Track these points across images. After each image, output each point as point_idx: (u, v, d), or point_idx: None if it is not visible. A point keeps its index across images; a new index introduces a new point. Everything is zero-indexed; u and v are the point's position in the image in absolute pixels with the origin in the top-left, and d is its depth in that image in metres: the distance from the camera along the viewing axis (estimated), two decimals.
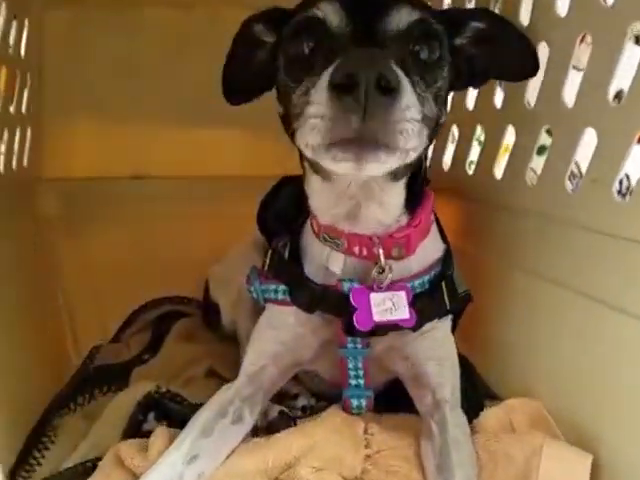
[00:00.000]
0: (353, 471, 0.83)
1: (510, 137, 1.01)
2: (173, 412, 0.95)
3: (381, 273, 0.81)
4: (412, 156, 0.66)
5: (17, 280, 1.14)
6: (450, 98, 0.93)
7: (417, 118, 0.63)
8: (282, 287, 0.87)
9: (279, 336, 0.89)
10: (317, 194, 0.83)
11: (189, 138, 1.52)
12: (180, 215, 1.52)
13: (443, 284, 0.86)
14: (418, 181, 0.82)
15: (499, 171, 1.05)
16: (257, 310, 0.97)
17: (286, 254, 0.91)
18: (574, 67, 0.87)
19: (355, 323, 0.80)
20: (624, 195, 0.77)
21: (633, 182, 0.75)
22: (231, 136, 1.53)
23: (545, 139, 0.94)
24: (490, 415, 0.90)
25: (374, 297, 0.81)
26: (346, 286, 0.82)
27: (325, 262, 0.86)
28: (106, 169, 1.50)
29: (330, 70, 0.60)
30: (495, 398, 0.99)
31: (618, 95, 0.80)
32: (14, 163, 1.20)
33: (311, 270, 0.87)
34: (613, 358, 0.78)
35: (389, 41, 0.69)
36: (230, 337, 1.25)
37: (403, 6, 0.71)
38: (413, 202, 0.82)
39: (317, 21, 0.70)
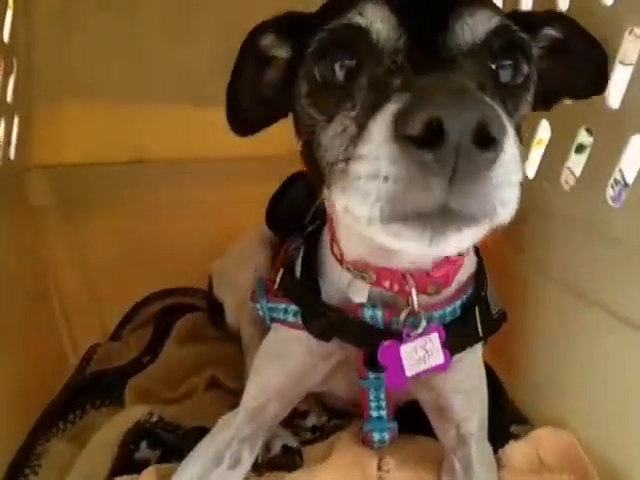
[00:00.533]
0: None
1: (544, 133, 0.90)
2: (166, 440, 0.89)
3: (412, 316, 0.70)
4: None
5: (10, 274, 1.08)
6: None
7: (520, 175, 0.46)
8: (294, 307, 0.77)
9: (285, 367, 0.79)
10: (346, 233, 0.71)
11: (192, 118, 1.39)
12: (183, 201, 1.41)
13: (477, 309, 0.75)
14: None
15: (531, 170, 0.94)
16: None
17: (298, 267, 0.81)
18: (621, 62, 0.75)
19: (385, 381, 0.73)
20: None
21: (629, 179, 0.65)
22: None
23: (584, 137, 0.83)
24: (517, 449, 0.84)
25: (405, 350, 0.70)
26: (368, 314, 0.72)
27: (346, 289, 0.74)
28: (103, 154, 1.39)
29: (392, 109, 0.44)
30: (523, 422, 0.93)
31: None
32: (0, 153, 1.11)
33: (328, 291, 0.76)
34: None
35: (462, 59, 0.52)
36: (236, 336, 1.16)
37: (478, 7, 0.55)
38: None
39: (358, 32, 0.54)
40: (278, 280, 0.82)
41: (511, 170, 0.44)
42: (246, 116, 0.74)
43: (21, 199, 1.25)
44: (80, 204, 1.37)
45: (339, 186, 0.51)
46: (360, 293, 0.73)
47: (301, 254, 0.81)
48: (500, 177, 0.43)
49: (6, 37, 1.12)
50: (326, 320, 0.73)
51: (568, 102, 0.83)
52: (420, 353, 0.71)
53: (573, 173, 0.86)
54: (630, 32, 0.74)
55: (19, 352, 1.06)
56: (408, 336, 0.70)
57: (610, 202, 0.75)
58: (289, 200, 1.02)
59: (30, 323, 1.15)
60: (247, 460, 0.80)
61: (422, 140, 0.41)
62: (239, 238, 1.22)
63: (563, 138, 0.85)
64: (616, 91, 0.74)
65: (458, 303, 0.74)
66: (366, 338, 0.72)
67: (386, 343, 0.70)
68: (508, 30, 0.56)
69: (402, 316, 0.70)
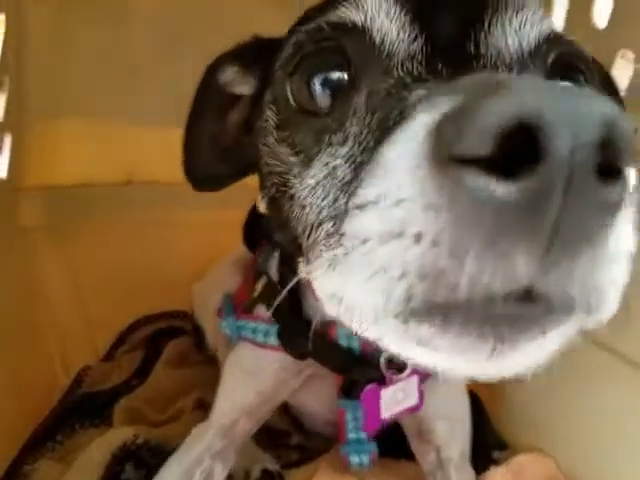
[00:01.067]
0: None
1: None
2: (150, 464, 0.88)
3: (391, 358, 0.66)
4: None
5: (0, 294, 1.08)
6: None
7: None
8: (263, 327, 0.73)
9: (256, 385, 0.76)
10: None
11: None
12: (174, 222, 1.41)
13: None
14: None
15: None
16: None
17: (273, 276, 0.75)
18: None
19: (362, 423, 0.71)
20: None
21: None
22: None
23: None
24: (498, 475, 0.83)
25: (385, 394, 0.68)
26: (345, 341, 0.68)
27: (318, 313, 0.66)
28: (94, 175, 1.39)
29: (427, 118, 0.27)
30: (504, 448, 0.93)
31: None
32: None
33: (308, 309, 0.70)
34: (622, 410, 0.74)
35: (505, 69, 0.38)
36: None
37: (524, 4, 0.40)
38: None
39: (351, 32, 0.39)
40: (260, 289, 0.76)
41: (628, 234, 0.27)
42: (207, 171, 0.63)
43: (12, 219, 1.25)
44: (71, 225, 1.36)
45: (324, 259, 0.35)
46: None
47: (264, 278, 0.76)
48: (619, 240, 0.26)
49: None
50: (306, 341, 0.65)
51: None
52: (398, 395, 0.69)
53: None
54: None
55: (10, 373, 1.05)
56: (391, 379, 0.67)
57: None
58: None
59: (21, 344, 1.15)
60: (220, 475, 0.78)
61: (493, 165, 0.23)
62: (218, 261, 1.21)
63: None
64: None
65: None
66: (344, 366, 0.69)
67: (368, 387, 0.67)
68: (565, 40, 0.41)
69: (383, 357, 0.65)
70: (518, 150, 0.22)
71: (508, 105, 0.22)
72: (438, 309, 0.26)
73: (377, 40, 0.39)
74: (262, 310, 0.76)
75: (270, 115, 0.46)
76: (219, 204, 1.42)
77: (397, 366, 0.67)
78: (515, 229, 0.23)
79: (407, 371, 0.67)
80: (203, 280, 1.21)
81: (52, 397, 1.19)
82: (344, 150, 0.37)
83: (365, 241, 0.29)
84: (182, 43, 1.37)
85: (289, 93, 0.42)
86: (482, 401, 0.97)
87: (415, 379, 0.69)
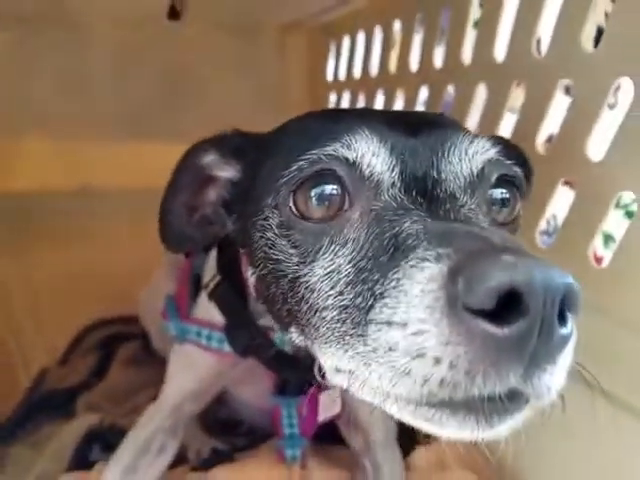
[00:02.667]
0: None
1: None
2: (117, 445, 0.94)
3: None
4: None
5: None
6: None
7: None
8: (206, 331, 0.79)
9: (196, 375, 0.84)
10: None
11: (135, 152, 1.51)
12: (127, 230, 1.50)
13: None
14: None
15: None
16: None
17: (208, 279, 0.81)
18: (508, 110, 0.90)
19: (299, 430, 0.79)
20: (550, 235, 0.81)
21: (559, 222, 0.79)
22: (177, 149, 1.49)
23: None
24: (421, 455, 0.93)
25: (323, 398, 0.76)
26: (280, 344, 0.74)
27: (257, 315, 0.76)
28: (50, 184, 1.47)
29: (437, 270, 0.38)
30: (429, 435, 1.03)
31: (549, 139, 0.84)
32: None
33: (252, 306, 0.76)
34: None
35: (462, 192, 0.50)
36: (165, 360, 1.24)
37: (474, 137, 0.53)
38: None
39: (345, 164, 0.50)
40: (212, 286, 0.79)
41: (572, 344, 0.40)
42: (180, 236, 0.69)
43: None
44: (28, 232, 1.44)
45: (336, 342, 0.45)
46: (271, 324, 0.71)
47: (217, 277, 0.79)
48: (567, 356, 0.40)
49: None
50: (249, 335, 0.74)
51: None
52: (329, 400, 0.77)
53: None
54: (518, 85, 0.89)
55: None
56: (326, 386, 0.71)
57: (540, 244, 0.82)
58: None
59: None
60: (172, 446, 0.87)
61: (492, 314, 0.35)
62: (157, 267, 1.27)
63: None
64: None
65: None
66: (281, 366, 0.76)
67: (311, 392, 0.73)
68: (502, 163, 0.54)
69: (316, 366, 0.66)
70: (508, 303, 0.35)
71: (507, 277, 0.35)
72: (447, 403, 0.39)
73: (366, 172, 0.50)
74: (202, 311, 0.82)
75: (271, 216, 0.54)
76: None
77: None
78: (508, 355, 0.36)
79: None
80: (148, 287, 1.28)
81: (15, 397, 1.22)
82: (346, 251, 0.48)
83: (390, 350, 0.39)
84: (134, 63, 1.48)
85: (291, 204, 0.51)
86: None
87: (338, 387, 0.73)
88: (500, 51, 0.88)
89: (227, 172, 0.65)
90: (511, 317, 0.35)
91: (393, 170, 0.49)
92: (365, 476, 0.87)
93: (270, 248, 0.54)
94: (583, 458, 0.76)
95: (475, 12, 0.94)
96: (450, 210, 0.47)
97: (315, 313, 0.48)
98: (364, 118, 0.54)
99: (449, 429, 0.40)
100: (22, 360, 1.36)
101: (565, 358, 0.39)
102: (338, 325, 0.45)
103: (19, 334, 1.39)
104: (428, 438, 0.95)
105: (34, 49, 1.39)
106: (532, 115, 0.82)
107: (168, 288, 1.00)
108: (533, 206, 0.80)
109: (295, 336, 0.55)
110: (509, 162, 0.55)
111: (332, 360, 0.47)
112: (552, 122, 0.80)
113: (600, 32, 0.71)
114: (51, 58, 1.41)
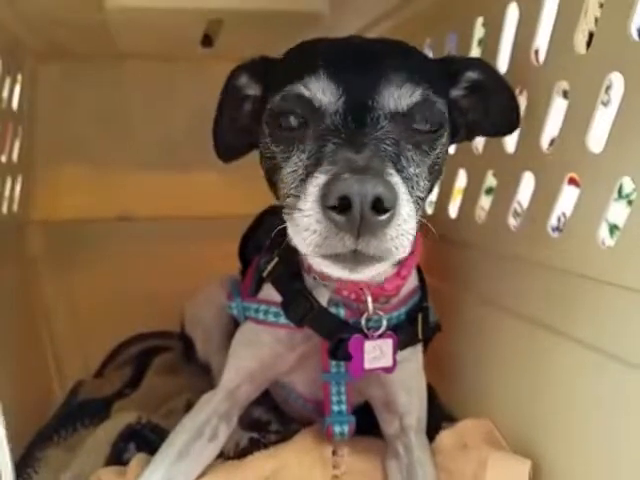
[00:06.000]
0: None
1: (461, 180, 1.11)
2: (154, 443, 0.98)
3: (370, 319, 0.85)
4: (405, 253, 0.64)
5: (5, 317, 1.20)
6: None
7: (413, 228, 0.62)
8: (264, 307, 0.89)
9: (256, 353, 0.92)
10: None
11: (172, 181, 1.63)
12: (163, 254, 1.60)
13: (420, 316, 0.91)
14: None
15: (454, 210, 1.14)
16: (227, 345, 1.00)
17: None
18: None
19: (348, 370, 0.86)
20: (561, 230, 0.85)
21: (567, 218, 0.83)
22: (210, 178, 1.61)
23: (492, 181, 1.04)
24: (446, 436, 0.97)
25: (367, 346, 0.84)
26: (332, 310, 0.86)
27: (310, 290, 0.87)
28: (93, 211, 1.59)
29: (320, 184, 0.59)
30: (452, 420, 1.06)
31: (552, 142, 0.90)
32: (5, 208, 1.28)
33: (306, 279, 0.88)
34: (547, 380, 0.87)
35: (385, 121, 0.67)
36: (205, 368, 1.29)
37: (403, 81, 0.68)
38: None
39: (304, 99, 0.68)
40: (270, 268, 0.91)
41: (404, 225, 0.60)
42: (228, 144, 0.87)
43: (19, 249, 1.42)
44: (71, 255, 1.55)
45: (291, 223, 0.64)
46: (322, 297, 0.86)
47: (275, 259, 0.91)
48: (395, 231, 0.59)
49: (15, 107, 1.32)
50: (308, 305, 0.85)
51: (478, 151, 1.04)
52: (376, 352, 0.84)
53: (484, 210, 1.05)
54: (520, 92, 0.94)
55: (10, 385, 1.12)
56: (372, 335, 0.84)
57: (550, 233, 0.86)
58: (260, 237, 1.11)
59: (22, 362, 1.27)
60: (223, 434, 0.92)
61: (338, 208, 0.57)
62: (207, 283, 1.37)
63: (476, 183, 1.06)
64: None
65: (403, 310, 0.90)
66: (334, 330, 0.85)
67: (355, 335, 0.84)
68: (428, 101, 0.70)
69: (363, 319, 0.84)
70: (346, 203, 0.56)
71: (339, 187, 0.57)
72: (326, 256, 0.62)
73: (318, 104, 0.68)
74: (263, 294, 0.92)
75: (265, 128, 0.74)
76: (201, 238, 1.62)
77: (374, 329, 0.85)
78: (344, 230, 0.58)
79: (384, 325, 0.85)
80: (193, 299, 1.36)
81: (48, 408, 1.29)
82: (303, 158, 0.68)
83: (298, 225, 0.61)
84: (168, 99, 1.62)
85: (273, 122, 0.72)
86: (431, 384, 1.10)
87: (390, 343, 0.84)
88: (503, 62, 0.96)
89: (254, 90, 0.83)
90: (344, 211, 0.56)
91: (337, 102, 0.66)
92: (398, 461, 0.92)
93: (266, 149, 0.74)
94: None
95: (479, 31, 1.02)
96: (369, 132, 0.65)
97: (285, 197, 0.69)
98: (329, 54, 0.71)
99: (333, 271, 0.64)
100: (59, 376, 1.44)
101: (395, 232, 0.59)
102: (289, 201, 0.66)
103: (58, 348, 1.48)
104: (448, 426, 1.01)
105: (76, 82, 1.53)
106: (535, 117, 0.88)
107: (221, 298, 1.11)
108: (543, 203, 0.86)
109: (284, 212, 0.69)
110: (434, 100, 0.71)
111: (289, 228, 0.65)
112: (553, 124, 0.86)
113: (591, 36, 0.78)
114: (92, 92, 1.55)
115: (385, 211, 0.57)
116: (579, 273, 0.79)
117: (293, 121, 0.70)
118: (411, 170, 0.68)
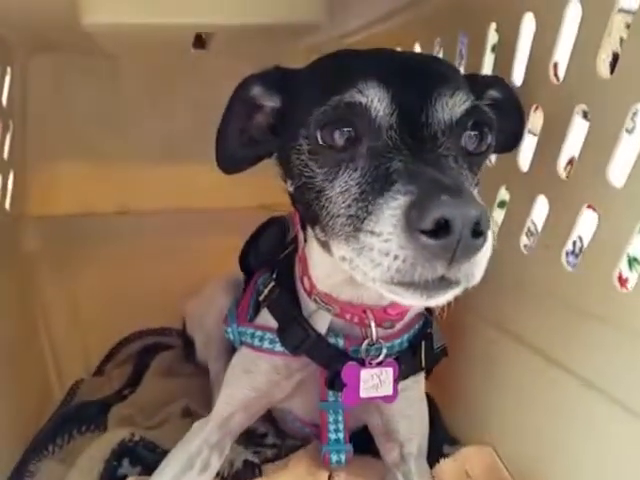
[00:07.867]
0: None
1: None
2: (147, 458, 0.98)
3: (371, 345, 0.82)
4: None
5: (2, 314, 1.18)
6: None
7: (490, 250, 0.57)
8: (260, 333, 0.87)
9: (252, 382, 0.89)
10: (318, 263, 0.80)
11: (170, 174, 1.58)
12: (163, 249, 1.56)
13: (423, 343, 0.87)
14: None
15: None
16: (227, 351, 0.98)
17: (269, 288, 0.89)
18: (529, 132, 0.89)
19: (341, 398, 0.83)
20: (577, 255, 0.81)
21: (585, 244, 0.79)
22: (209, 171, 1.54)
23: (504, 195, 0.98)
24: (447, 465, 0.95)
25: (364, 374, 0.81)
26: (331, 340, 0.83)
27: (308, 317, 0.84)
28: (90, 206, 1.55)
29: (402, 205, 0.54)
30: (454, 443, 1.04)
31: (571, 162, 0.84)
32: None
33: (304, 307, 0.85)
34: (552, 412, 0.85)
35: (441, 135, 0.62)
36: (205, 370, 1.28)
37: (456, 90, 0.64)
38: None
39: (358, 108, 0.62)
40: (266, 292, 0.89)
41: (488, 249, 0.56)
42: (233, 156, 0.81)
43: (15, 245, 1.38)
44: (68, 251, 1.51)
45: (343, 239, 0.61)
46: (322, 323, 0.83)
47: (272, 283, 0.89)
48: (483, 255, 0.55)
49: (4, 101, 1.26)
50: (304, 334, 0.82)
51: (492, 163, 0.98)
52: (375, 380, 0.82)
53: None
54: (535, 109, 0.89)
55: (8, 383, 1.15)
56: (370, 363, 0.81)
57: (566, 266, 0.82)
58: (260, 244, 1.09)
59: (19, 360, 1.25)
60: (215, 465, 0.90)
61: (432, 232, 0.51)
62: (209, 282, 1.32)
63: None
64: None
65: (406, 337, 0.86)
66: (331, 359, 0.83)
67: (350, 363, 0.81)
68: (479, 110, 0.66)
69: (364, 345, 0.81)
70: (440, 225, 0.51)
71: (439, 210, 0.50)
72: (404, 283, 0.55)
73: (372, 115, 0.62)
74: (260, 319, 0.89)
75: (303, 143, 0.66)
76: (201, 231, 1.58)
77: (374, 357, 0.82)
78: (437, 256, 0.52)
79: (384, 352, 0.81)
80: (195, 299, 1.32)
81: (48, 408, 1.29)
82: (355, 176, 0.62)
83: (371, 250, 0.56)
84: (166, 93, 1.57)
85: (318, 136, 0.64)
86: (436, 403, 1.09)
87: (390, 371, 0.82)
88: (518, 74, 0.89)
89: (271, 102, 0.76)
90: (441, 234, 0.51)
91: (392, 115, 0.61)
92: None
93: (303, 167, 0.67)
94: None
95: (492, 37, 0.94)
96: (430, 149, 0.61)
97: (331, 218, 0.63)
98: (375, 64, 0.66)
99: (406, 298, 0.58)
100: (58, 374, 1.42)
101: (481, 257, 0.55)
102: (344, 228, 0.61)
103: (57, 346, 1.46)
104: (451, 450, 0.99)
105: (69, 75, 1.47)
106: (552, 138, 0.82)
107: (223, 302, 1.09)
108: (557, 230, 0.82)
109: (318, 232, 0.68)
110: (485, 109, 0.68)
111: (340, 251, 0.62)
112: (572, 145, 0.80)
113: (616, 58, 0.71)
114: (87, 85, 1.49)
115: (480, 234, 0.53)
116: (594, 313, 0.75)
117: (342, 135, 0.63)
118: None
